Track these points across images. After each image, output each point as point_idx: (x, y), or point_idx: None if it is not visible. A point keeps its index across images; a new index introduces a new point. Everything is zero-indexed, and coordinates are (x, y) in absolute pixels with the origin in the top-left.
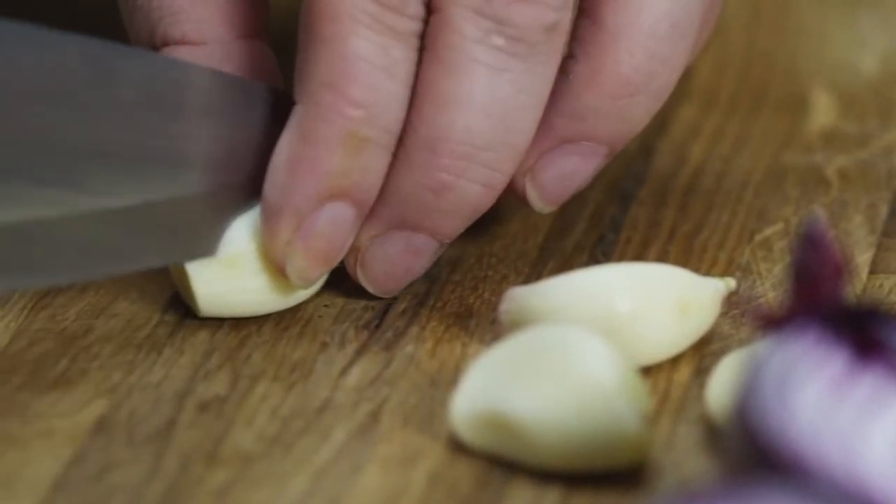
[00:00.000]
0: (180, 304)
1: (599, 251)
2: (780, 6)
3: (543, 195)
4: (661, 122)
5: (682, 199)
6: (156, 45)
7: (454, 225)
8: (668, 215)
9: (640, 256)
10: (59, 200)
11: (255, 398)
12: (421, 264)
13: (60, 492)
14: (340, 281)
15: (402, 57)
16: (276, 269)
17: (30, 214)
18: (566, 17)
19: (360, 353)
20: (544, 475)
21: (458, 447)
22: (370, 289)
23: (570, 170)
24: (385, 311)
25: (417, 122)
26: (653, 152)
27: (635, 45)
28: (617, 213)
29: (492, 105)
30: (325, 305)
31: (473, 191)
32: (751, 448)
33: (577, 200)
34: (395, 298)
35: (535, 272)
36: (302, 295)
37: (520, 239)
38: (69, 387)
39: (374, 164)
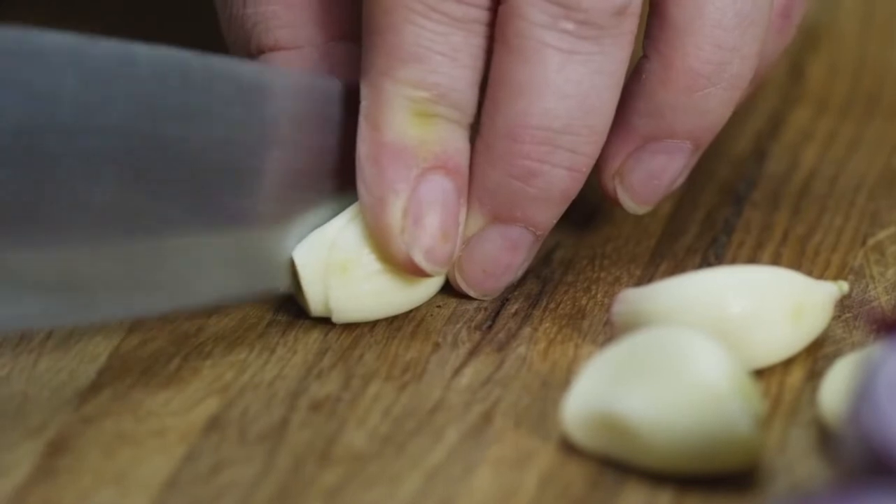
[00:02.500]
0: (292, 304)
1: (712, 254)
2: (891, 12)
3: (634, 196)
4: (773, 125)
5: (795, 203)
6: (252, 53)
7: (546, 212)
8: (780, 218)
9: (752, 259)
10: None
11: (367, 398)
12: (519, 260)
13: (172, 490)
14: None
15: (464, 43)
16: (405, 266)
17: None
18: (636, 0)
19: (472, 353)
20: (657, 477)
21: (570, 448)
22: (471, 291)
23: (658, 168)
24: (498, 312)
25: (494, 111)
26: (766, 155)
27: (702, 37)
28: (730, 216)
29: (566, 87)
30: (438, 306)
31: (559, 175)
32: (863, 452)
33: (689, 203)
34: (507, 299)
35: (648, 274)
36: (415, 299)
37: (632, 241)
38: (182, 385)
39: (452, 137)
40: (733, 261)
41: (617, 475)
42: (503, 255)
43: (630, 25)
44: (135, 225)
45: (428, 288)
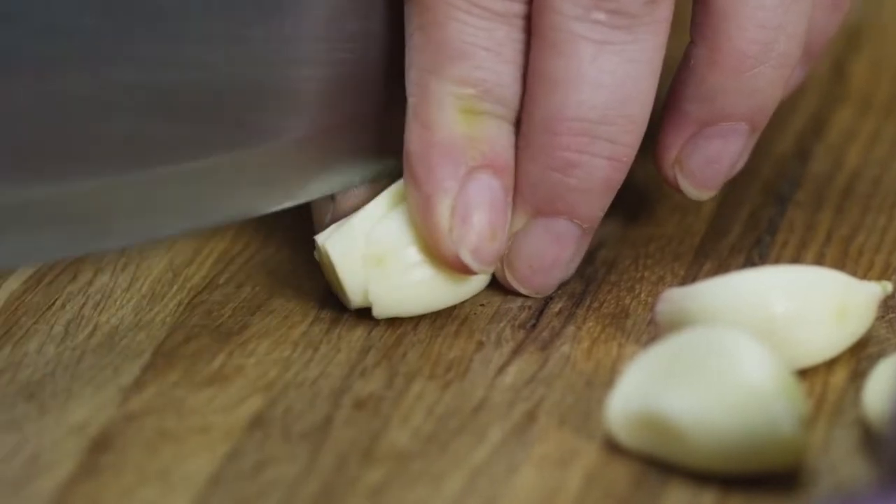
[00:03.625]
0: (336, 302)
1: (756, 254)
2: None
3: (695, 182)
4: (816, 125)
5: (839, 203)
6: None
7: (589, 204)
8: (824, 218)
9: (796, 259)
10: (222, 141)
11: (411, 396)
12: (567, 254)
13: (216, 487)
14: (496, 280)
15: (507, 38)
16: (452, 265)
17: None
18: None
19: (516, 352)
20: (700, 477)
21: (613, 448)
22: (521, 288)
23: (716, 152)
24: (541, 311)
25: (531, 105)
26: (809, 155)
27: (745, 18)
28: (774, 216)
29: (601, 78)
30: (482, 305)
31: (599, 165)
32: None
33: (733, 203)
34: (550, 298)
35: (692, 274)
36: (458, 295)
37: (676, 241)
38: (225, 383)
39: (498, 134)
40: (777, 261)
41: (660, 475)
42: (550, 250)
43: (664, 12)
44: (155, 151)
45: (471, 284)
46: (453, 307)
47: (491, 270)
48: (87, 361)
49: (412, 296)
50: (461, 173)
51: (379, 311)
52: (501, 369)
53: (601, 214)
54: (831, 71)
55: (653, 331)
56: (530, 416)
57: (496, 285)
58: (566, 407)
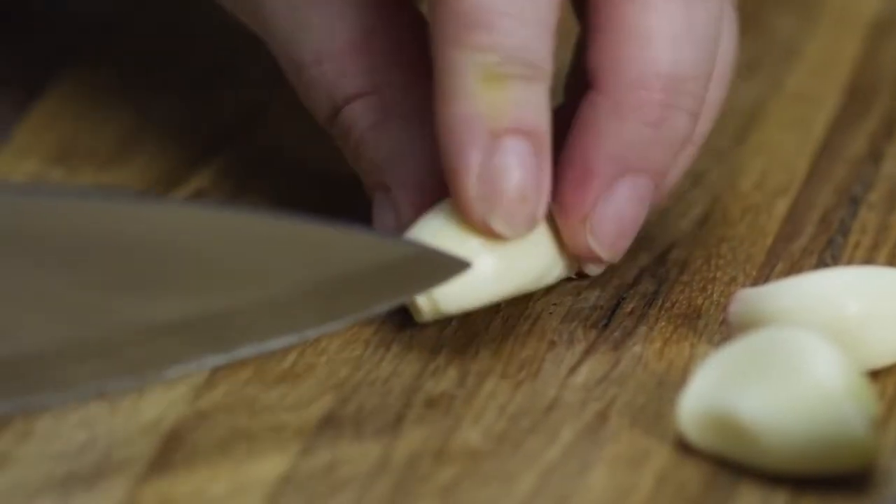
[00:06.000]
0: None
1: (828, 255)
2: None
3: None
4: (888, 126)
5: None
6: (336, 107)
7: (668, 159)
8: None
9: (868, 260)
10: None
11: (482, 395)
12: (644, 213)
13: (287, 486)
14: (568, 280)
15: (528, 1)
16: (487, 233)
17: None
18: None
19: (588, 352)
20: (772, 478)
21: (685, 448)
22: (605, 254)
23: (629, 211)
24: (613, 311)
25: (620, 62)
26: (882, 156)
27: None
28: (846, 217)
29: (694, 32)
30: (554, 304)
31: (683, 120)
32: None
33: (804, 204)
34: (623, 298)
35: (764, 275)
36: (527, 283)
37: (748, 242)
38: (297, 381)
39: (526, 96)
40: (849, 262)
41: (732, 475)
42: (635, 209)
43: None
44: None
45: (538, 272)
46: (525, 306)
47: (527, 233)
48: None
49: (477, 286)
50: (486, 141)
51: (446, 305)
52: (573, 369)
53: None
54: None
55: (725, 331)
56: (602, 416)
57: (567, 285)
58: (638, 407)
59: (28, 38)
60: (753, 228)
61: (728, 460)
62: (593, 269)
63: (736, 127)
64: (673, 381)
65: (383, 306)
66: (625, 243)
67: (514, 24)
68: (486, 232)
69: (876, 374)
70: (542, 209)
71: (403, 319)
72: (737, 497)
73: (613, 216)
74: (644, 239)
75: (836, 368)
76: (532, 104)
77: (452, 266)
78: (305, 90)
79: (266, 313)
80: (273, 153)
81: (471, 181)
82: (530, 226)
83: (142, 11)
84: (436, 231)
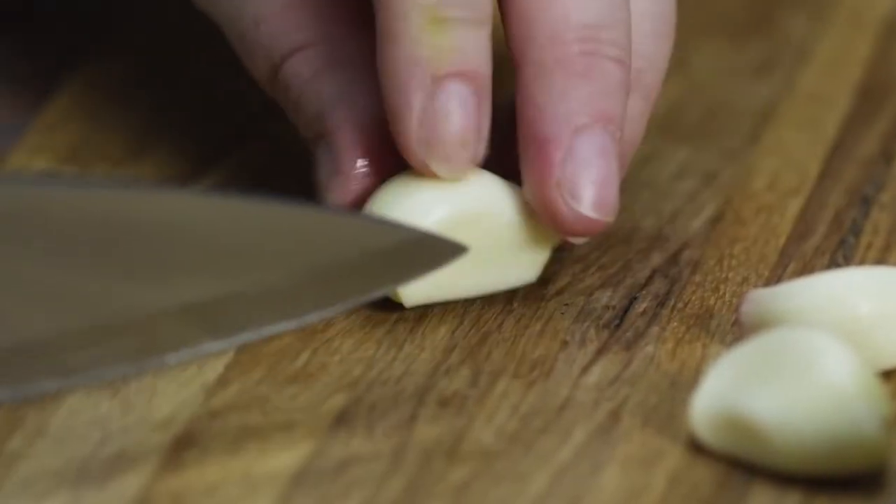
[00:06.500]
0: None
1: (840, 255)
2: None
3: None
4: None
5: None
6: (276, 67)
7: (612, 106)
8: None
9: (880, 261)
10: None
11: (495, 395)
12: (614, 164)
13: (300, 485)
14: (580, 280)
15: None
16: (427, 174)
17: None
18: None
19: (600, 352)
20: (785, 478)
21: (698, 448)
22: (593, 212)
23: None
24: (625, 311)
25: (533, 26)
26: (894, 157)
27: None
28: (858, 217)
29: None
30: (566, 304)
31: (611, 66)
32: None
33: (817, 205)
34: (635, 298)
35: (776, 275)
36: (495, 282)
37: (760, 242)
38: (309, 381)
39: (468, 40)
40: (861, 262)
41: (745, 475)
42: (601, 160)
43: None
44: None
45: (505, 272)
46: (537, 306)
47: (464, 175)
48: None
49: (444, 280)
50: (428, 84)
51: (408, 297)
52: (586, 369)
53: (623, 117)
54: None
55: (737, 331)
56: (614, 416)
57: (579, 285)
58: (650, 407)
59: (41, 37)
60: (766, 229)
61: (740, 460)
62: (579, 240)
63: (748, 127)
64: (685, 382)
65: (381, 291)
66: (607, 198)
67: None
68: (429, 174)
69: (888, 375)
70: (481, 151)
71: (416, 318)
72: (749, 497)
73: (582, 170)
74: (656, 239)
75: (848, 368)
76: (474, 47)
77: (450, 250)
78: (247, 56)
79: (265, 299)
80: (286, 153)
81: (413, 124)
82: (469, 168)
83: (154, 9)
84: (392, 203)
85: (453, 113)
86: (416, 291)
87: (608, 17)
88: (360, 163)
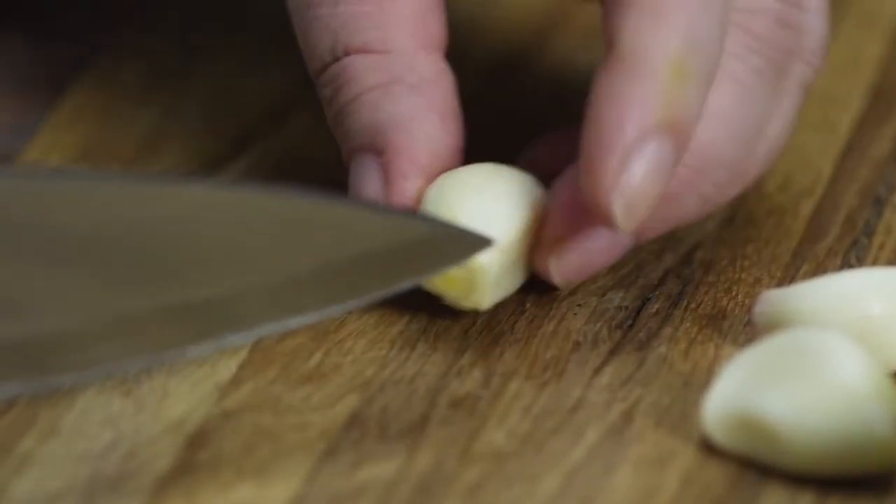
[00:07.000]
0: (433, 301)
1: (853, 256)
2: None
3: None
4: None
5: None
6: (337, 55)
7: (659, 231)
8: None
9: (893, 261)
10: None
11: (507, 396)
12: (667, 180)
13: (312, 485)
14: (593, 280)
15: None
16: (599, 215)
17: None
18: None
19: (613, 353)
20: (798, 478)
21: (710, 449)
22: (555, 278)
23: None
24: (638, 312)
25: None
26: None
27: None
28: (871, 218)
29: (737, 121)
30: (578, 305)
31: (691, 203)
32: None
33: (829, 205)
34: (648, 299)
35: (789, 276)
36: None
37: (773, 242)
38: (322, 381)
39: (696, 103)
40: (874, 263)
41: (758, 476)
42: (605, 256)
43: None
44: None
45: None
46: (550, 307)
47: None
48: None
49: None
50: (646, 130)
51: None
52: (598, 370)
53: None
54: None
55: (750, 332)
56: (627, 417)
57: (592, 286)
58: (663, 408)
59: (52, 35)
60: (778, 229)
61: (753, 461)
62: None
63: None
64: (698, 382)
65: (404, 285)
66: (578, 279)
67: (704, 20)
68: (599, 215)
69: None
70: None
71: (429, 319)
72: (762, 498)
73: (584, 252)
74: (669, 239)
75: (860, 369)
76: (696, 111)
77: (473, 243)
78: (307, 28)
79: (285, 292)
80: (299, 152)
81: (611, 167)
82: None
83: (166, 9)
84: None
85: (655, 173)
86: (488, 296)
87: (730, 158)
88: (410, 192)
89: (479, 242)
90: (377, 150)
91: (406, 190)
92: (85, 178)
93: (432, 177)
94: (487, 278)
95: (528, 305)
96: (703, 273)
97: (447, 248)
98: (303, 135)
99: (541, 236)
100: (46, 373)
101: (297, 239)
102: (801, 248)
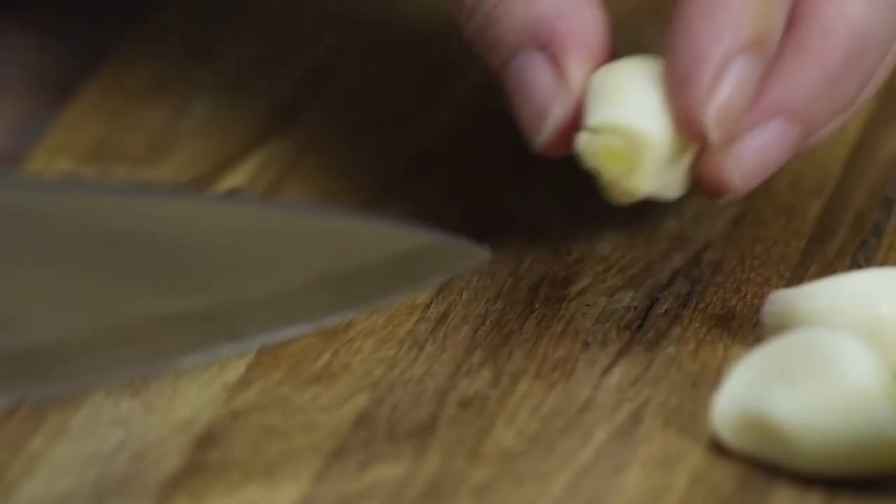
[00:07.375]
0: (442, 300)
1: (861, 256)
2: None
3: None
4: None
5: None
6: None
7: (826, 115)
8: None
9: None
10: None
11: (516, 396)
12: (784, 159)
13: (322, 485)
14: (602, 281)
15: None
16: (687, 131)
17: None
18: None
19: (621, 353)
20: (806, 479)
21: (719, 449)
22: (737, 182)
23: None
24: (647, 312)
25: (816, 7)
26: None
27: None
28: (880, 219)
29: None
30: (588, 305)
31: (853, 89)
32: None
33: (838, 205)
34: (656, 299)
35: (797, 276)
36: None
37: (782, 243)
38: (331, 381)
39: (780, 19)
40: (883, 263)
41: (766, 476)
42: (779, 153)
43: None
44: None
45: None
46: (559, 307)
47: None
48: None
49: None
50: (738, 46)
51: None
52: (607, 370)
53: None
54: None
55: (759, 332)
56: (636, 417)
57: (600, 286)
58: (672, 408)
59: (61, 36)
60: (787, 230)
61: (762, 461)
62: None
63: None
64: (707, 382)
65: (400, 296)
66: (758, 180)
67: None
68: (688, 131)
69: None
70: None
71: (438, 319)
72: (771, 498)
73: (759, 150)
74: (678, 240)
75: (869, 369)
76: (780, 28)
77: (469, 255)
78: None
79: (282, 303)
80: (308, 153)
81: (705, 80)
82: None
83: (176, 9)
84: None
85: (743, 87)
86: (649, 180)
87: (883, 32)
88: (583, 81)
89: (472, 254)
90: (539, 45)
91: (580, 79)
92: (84, 189)
93: (600, 64)
94: (652, 156)
95: (536, 305)
96: (712, 273)
97: (442, 258)
98: (312, 134)
99: (709, 153)
100: (44, 382)
101: (293, 250)
102: (809, 248)
